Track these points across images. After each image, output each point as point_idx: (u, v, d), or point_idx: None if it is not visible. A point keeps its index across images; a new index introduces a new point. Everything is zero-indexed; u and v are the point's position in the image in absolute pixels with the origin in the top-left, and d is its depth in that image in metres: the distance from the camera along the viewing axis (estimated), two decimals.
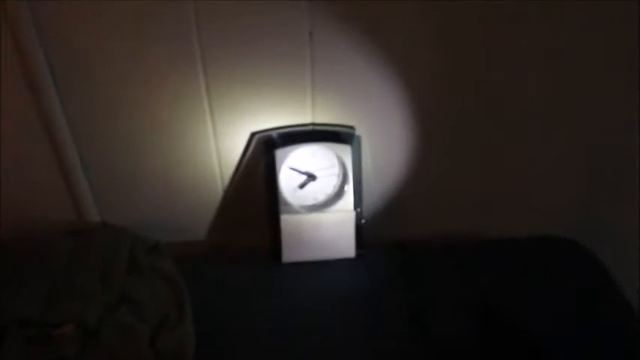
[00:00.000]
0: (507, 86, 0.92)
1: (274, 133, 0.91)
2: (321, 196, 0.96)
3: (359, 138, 0.94)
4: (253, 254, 0.99)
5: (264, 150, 0.92)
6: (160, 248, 0.97)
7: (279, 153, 0.90)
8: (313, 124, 0.92)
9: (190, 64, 0.83)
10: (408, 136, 0.95)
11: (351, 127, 0.93)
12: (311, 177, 0.94)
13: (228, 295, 0.93)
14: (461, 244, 1.00)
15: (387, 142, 0.97)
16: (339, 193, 0.96)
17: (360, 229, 0.97)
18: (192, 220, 1.02)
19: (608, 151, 1.02)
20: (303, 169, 0.94)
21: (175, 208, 1.00)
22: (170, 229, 1.00)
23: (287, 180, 0.93)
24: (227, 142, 0.93)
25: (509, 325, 0.84)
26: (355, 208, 0.96)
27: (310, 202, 0.96)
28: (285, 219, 0.94)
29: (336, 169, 0.95)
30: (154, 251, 0.96)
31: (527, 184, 1.05)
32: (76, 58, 0.82)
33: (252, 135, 0.92)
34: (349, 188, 0.95)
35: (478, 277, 0.93)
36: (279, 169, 0.91)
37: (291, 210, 0.93)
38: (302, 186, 0.94)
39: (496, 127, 0.96)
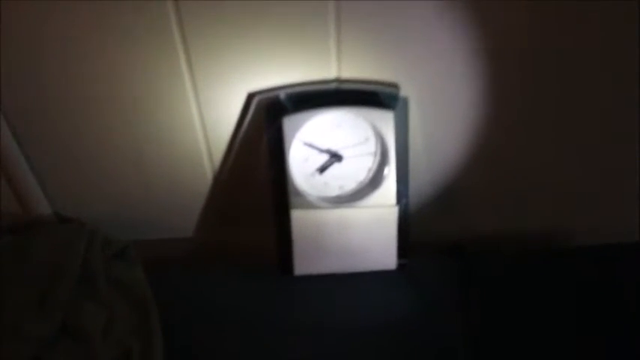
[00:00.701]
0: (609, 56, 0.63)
1: (282, 94, 0.63)
2: (350, 184, 0.68)
3: (405, 101, 0.65)
4: (255, 259, 0.74)
5: (268, 118, 0.64)
6: (128, 253, 0.71)
7: (288, 122, 0.62)
8: (338, 80, 0.64)
9: None
10: (475, 102, 0.67)
11: (394, 86, 0.64)
12: (335, 157, 0.65)
13: (217, 320, 0.67)
14: (541, 250, 0.77)
15: (446, 108, 0.68)
16: (375, 181, 0.67)
17: (404, 230, 0.69)
18: (176, 214, 0.77)
19: None
20: (324, 146, 0.65)
21: (153, 199, 0.75)
22: (147, 224, 0.78)
23: (300, 161, 0.65)
24: (215, 107, 0.66)
25: None
26: (399, 202, 0.67)
27: (334, 192, 0.68)
28: (298, 216, 0.66)
29: (371, 146, 0.66)
30: (121, 257, 0.70)
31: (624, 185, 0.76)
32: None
33: (250, 97, 0.64)
34: (390, 173, 0.66)
35: (565, 294, 0.70)
36: (289, 146, 0.63)
37: (307, 204, 0.65)
38: (322, 170, 0.66)
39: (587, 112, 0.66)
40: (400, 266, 0.71)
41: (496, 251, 0.79)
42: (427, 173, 0.74)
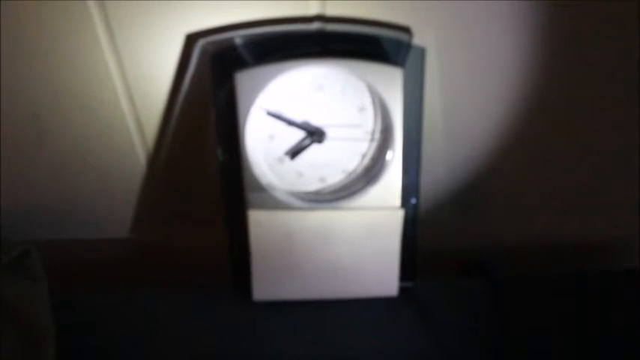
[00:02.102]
0: None
1: (237, 38, 0.42)
2: (335, 175, 0.47)
3: (421, 54, 0.44)
4: (207, 268, 0.52)
5: (215, 73, 0.43)
6: (27, 262, 0.51)
7: (244, 80, 0.42)
8: (322, 18, 0.42)
9: None
10: (516, 69, 0.44)
11: (405, 30, 0.43)
12: (314, 135, 0.44)
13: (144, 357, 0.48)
14: (583, 270, 0.56)
15: (478, 69, 0.47)
16: (372, 171, 0.46)
17: (411, 242, 0.48)
18: (101, 207, 0.56)
19: None
20: (298, 119, 0.44)
21: (72, 186, 0.55)
22: (66, 220, 0.57)
23: (263, 139, 0.45)
24: (140, 58, 0.44)
25: None
26: (405, 203, 0.46)
27: (312, 186, 0.47)
28: (258, 220, 0.45)
29: (368, 120, 0.45)
30: (16, 268, 0.50)
31: None
32: None
33: (190, 40, 0.43)
34: (395, 161, 0.45)
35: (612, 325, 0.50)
36: (246, 116, 0.42)
37: (271, 202, 0.45)
38: (295, 153, 0.45)
39: None
40: (403, 291, 0.50)
41: (527, 270, 0.58)
42: (443, 163, 0.52)
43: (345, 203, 0.46)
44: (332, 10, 0.42)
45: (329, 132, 0.45)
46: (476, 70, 0.47)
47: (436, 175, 0.52)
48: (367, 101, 0.44)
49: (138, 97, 0.47)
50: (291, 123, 0.44)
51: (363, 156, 0.46)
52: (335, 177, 0.47)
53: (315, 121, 0.44)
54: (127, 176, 0.53)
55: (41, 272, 0.51)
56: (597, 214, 0.57)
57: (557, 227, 0.58)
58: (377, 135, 0.46)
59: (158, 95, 0.47)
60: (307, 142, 0.45)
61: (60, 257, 0.55)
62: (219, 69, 0.43)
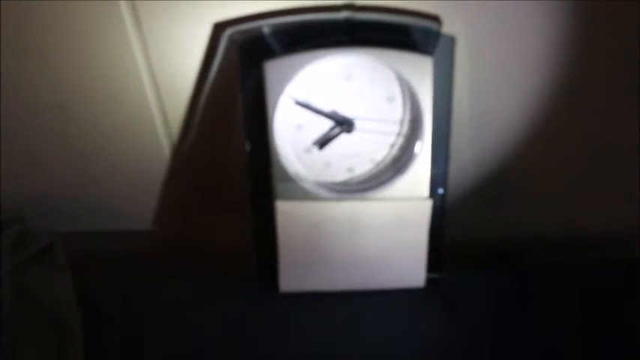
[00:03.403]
0: None
1: (265, 27, 0.41)
2: (364, 165, 0.47)
3: (450, 43, 0.43)
4: (233, 260, 0.53)
5: (243, 63, 0.43)
6: (52, 254, 0.51)
7: (273, 70, 0.41)
8: (352, 6, 0.42)
9: None
10: (548, 60, 0.44)
11: (435, 18, 0.42)
12: (343, 124, 0.44)
13: (168, 349, 0.47)
14: (614, 261, 0.55)
15: (508, 60, 0.46)
16: (400, 162, 0.46)
17: (438, 233, 0.48)
18: (124, 199, 0.56)
19: None
20: (327, 108, 0.43)
21: (95, 178, 0.54)
22: (89, 211, 0.57)
23: (291, 129, 0.44)
24: (167, 47, 0.44)
25: None
26: (433, 193, 0.46)
27: (340, 177, 0.47)
28: (286, 210, 0.45)
29: (396, 110, 0.44)
30: (40, 260, 0.51)
31: None
32: None
33: (217, 30, 0.43)
34: (423, 151, 0.44)
35: None
36: (275, 106, 0.42)
37: (299, 192, 0.45)
38: (323, 143, 0.45)
39: None
40: (431, 282, 0.50)
41: (556, 262, 0.57)
42: (469, 153, 0.52)
43: (373, 194, 0.46)
44: None
45: (358, 122, 0.44)
46: (504, 59, 0.46)
47: (462, 164, 0.52)
48: (396, 91, 0.44)
49: (164, 87, 0.47)
50: (319, 113, 0.44)
51: (392, 146, 0.46)
52: (363, 167, 0.47)
53: (344, 111, 0.44)
54: (151, 167, 0.53)
55: (65, 263, 0.52)
56: (626, 203, 0.56)
57: (584, 216, 0.57)
58: (406, 125, 0.45)
59: (184, 85, 0.46)
60: (336, 131, 0.44)
61: (83, 249, 0.55)
62: (247, 58, 0.42)
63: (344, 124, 0.44)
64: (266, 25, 0.42)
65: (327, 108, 0.44)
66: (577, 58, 0.45)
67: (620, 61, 0.46)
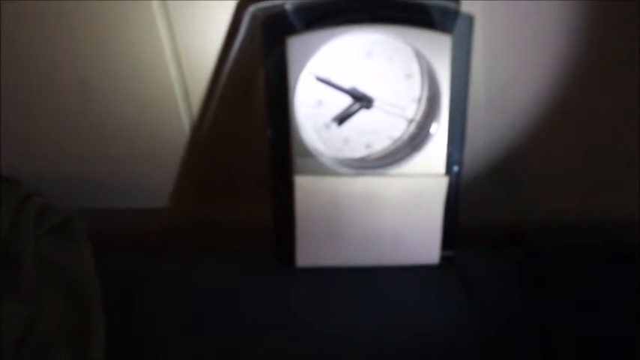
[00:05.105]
0: None
1: (287, 4, 0.42)
2: (382, 142, 0.48)
3: (469, 22, 0.44)
4: (250, 239, 0.54)
5: (265, 39, 0.44)
6: (72, 227, 0.52)
7: (295, 46, 0.42)
8: None
9: None
10: (567, 42, 0.45)
11: None
12: (362, 101, 0.45)
13: (188, 322, 0.50)
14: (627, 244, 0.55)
15: (526, 40, 0.47)
16: (417, 139, 0.47)
17: (453, 210, 0.49)
18: (143, 176, 0.57)
19: None
20: (347, 84, 0.44)
21: (115, 155, 0.56)
22: (105, 188, 0.59)
23: (311, 105, 0.45)
24: (190, 23, 0.45)
25: None
26: (449, 170, 0.47)
27: (358, 153, 0.48)
28: (304, 185, 0.46)
29: (415, 87, 0.45)
30: (62, 232, 0.52)
31: None
32: None
33: (240, 6, 0.43)
34: (440, 129, 0.45)
35: None
36: (295, 81, 0.43)
37: (317, 168, 0.46)
38: (342, 120, 0.46)
39: None
40: (445, 260, 0.51)
41: (569, 242, 0.58)
42: (485, 132, 0.53)
43: (390, 170, 0.47)
44: None
45: (377, 99, 0.45)
46: (521, 39, 0.47)
47: (477, 144, 0.53)
48: (415, 68, 0.45)
49: (186, 64, 0.47)
50: (339, 89, 0.45)
51: (409, 123, 0.47)
52: (381, 144, 0.47)
53: (363, 88, 0.45)
54: (172, 145, 0.54)
55: (85, 237, 0.53)
56: (638, 189, 0.57)
57: (597, 200, 0.58)
58: (423, 103, 0.46)
59: (206, 61, 0.47)
60: (355, 108, 0.45)
61: (102, 227, 0.56)
62: (269, 34, 0.43)
63: (363, 101, 0.45)
64: (288, 3, 0.43)
65: (347, 84, 0.45)
66: (595, 38, 0.46)
67: (637, 43, 0.47)
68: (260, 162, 0.49)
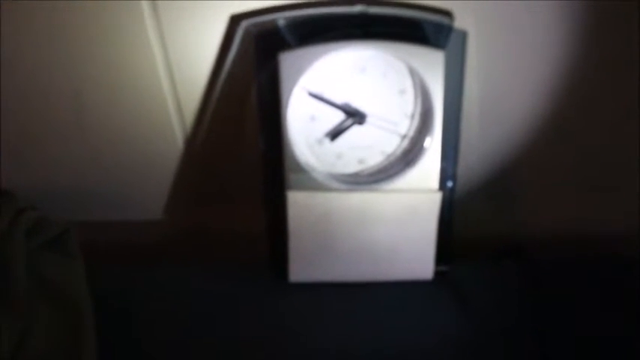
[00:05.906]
0: None
1: (280, 19, 0.42)
2: (375, 157, 0.48)
3: (462, 38, 0.44)
4: (244, 250, 0.54)
5: (258, 54, 0.43)
6: (66, 241, 0.52)
7: (287, 61, 0.42)
8: (365, 0, 0.42)
9: None
10: (559, 57, 0.45)
11: (447, 14, 0.43)
12: (355, 116, 0.45)
13: (180, 338, 0.49)
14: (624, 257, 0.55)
15: (519, 56, 0.47)
16: (411, 154, 0.47)
17: (447, 225, 0.49)
18: (136, 188, 0.57)
19: None
20: (339, 100, 0.44)
21: (109, 167, 0.55)
22: (98, 201, 0.58)
23: (304, 120, 0.45)
24: (184, 38, 0.45)
25: None
26: (442, 186, 0.47)
27: (351, 168, 0.48)
28: (297, 201, 0.46)
29: (408, 103, 0.45)
30: (54, 246, 0.51)
31: None
32: None
33: (233, 22, 0.43)
34: (434, 144, 0.45)
35: None
36: (288, 97, 0.43)
37: (310, 183, 0.46)
38: (335, 135, 0.45)
39: None
40: (439, 275, 0.51)
41: (564, 255, 0.58)
42: (479, 147, 0.53)
43: (383, 185, 0.47)
44: None
45: (369, 114, 0.45)
46: (514, 54, 0.47)
47: (471, 159, 0.53)
48: (408, 84, 0.45)
49: (179, 77, 0.47)
50: (332, 104, 0.45)
51: (403, 138, 0.47)
52: (374, 159, 0.47)
53: (356, 103, 0.45)
54: (164, 157, 0.53)
55: (78, 251, 0.52)
56: (635, 200, 0.57)
57: (592, 212, 0.58)
58: (416, 118, 0.46)
59: (199, 76, 0.47)
60: (348, 123, 0.45)
61: (95, 239, 0.56)
62: (262, 50, 0.43)
63: (356, 116, 0.45)
64: (281, 18, 0.43)
65: (339, 100, 0.45)
66: (589, 52, 0.46)
67: (632, 55, 0.47)
68: (254, 175, 0.49)
